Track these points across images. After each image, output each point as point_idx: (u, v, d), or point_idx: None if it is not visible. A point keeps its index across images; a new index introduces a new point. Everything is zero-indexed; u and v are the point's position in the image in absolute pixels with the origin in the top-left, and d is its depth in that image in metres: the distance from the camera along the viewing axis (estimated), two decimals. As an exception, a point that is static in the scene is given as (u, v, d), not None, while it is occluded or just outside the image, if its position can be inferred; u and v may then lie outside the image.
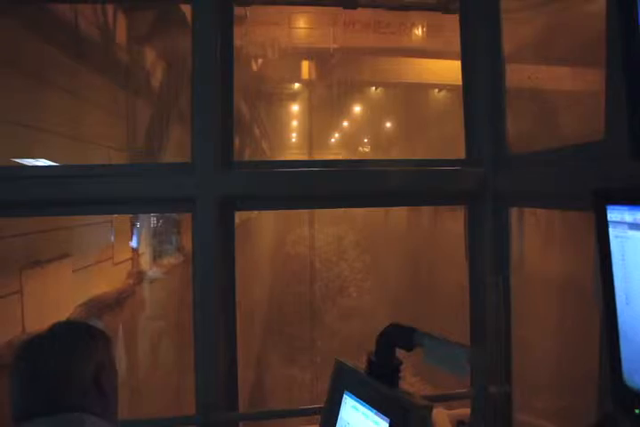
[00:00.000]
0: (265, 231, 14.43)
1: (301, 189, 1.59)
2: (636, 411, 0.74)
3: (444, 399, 1.65)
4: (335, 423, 1.34)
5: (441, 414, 2.71)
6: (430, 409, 1.20)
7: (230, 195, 1.57)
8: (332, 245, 14.90)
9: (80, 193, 1.55)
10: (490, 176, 1.67)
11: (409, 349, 1.29)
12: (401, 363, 1.33)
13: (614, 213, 0.74)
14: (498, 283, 1.73)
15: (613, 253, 0.74)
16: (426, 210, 12.58)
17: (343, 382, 1.37)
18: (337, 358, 1.43)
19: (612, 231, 0.74)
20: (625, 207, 0.72)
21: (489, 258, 1.76)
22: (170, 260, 6.00)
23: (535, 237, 2.07)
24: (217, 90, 1.66)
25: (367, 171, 1.70)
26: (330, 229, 14.73)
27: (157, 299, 5.27)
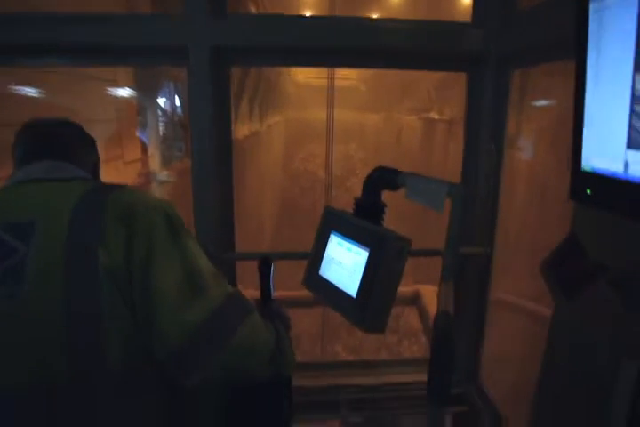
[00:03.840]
0: (274, 147, 14.34)
1: (299, 40, 1.54)
2: (588, 191, 0.79)
3: (418, 254, 1.76)
4: (321, 260, 1.45)
5: (427, 290, 2.95)
6: (408, 243, 1.28)
7: (225, 45, 1.54)
8: (341, 163, 14.87)
9: (75, 40, 1.52)
10: (492, 36, 1.60)
11: (394, 188, 1.35)
12: (385, 206, 1.40)
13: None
14: (491, 150, 1.74)
15: (590, 30, 0.72)
16: (439, 130, 12.27)
17: (330, 224, 1.45)
18: (327, 205, 1.51)
19: (591, 6, 0.72)
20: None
21: (485, 126, 1.75)
22: (178, 165, 6.09)
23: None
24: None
25: (367, 25, 1.63)
26: (339, 147, 14.56)
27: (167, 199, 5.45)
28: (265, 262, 1.11)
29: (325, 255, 1.45)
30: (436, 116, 13.16)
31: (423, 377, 2.01)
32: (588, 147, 0.77)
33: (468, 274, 1.86)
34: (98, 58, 1.59)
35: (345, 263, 1.36)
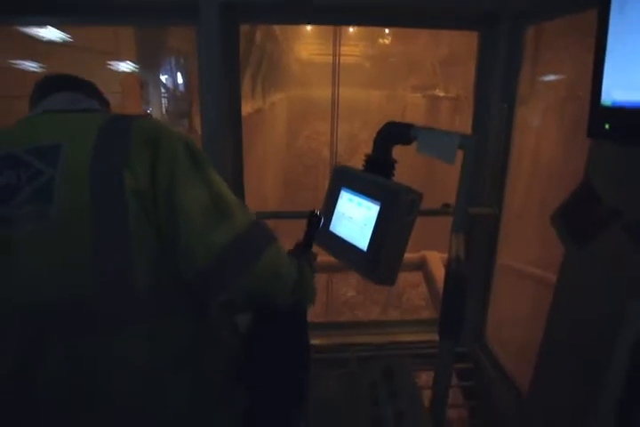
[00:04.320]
0: (278, 124, 14.18)
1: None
2: (606, 126, 0.79)
3: (429, 214, 1.76)
4: (332, 217, 1.46)
5: (433, 256, 2.97)
6: (420, 196, 1.29)
7: (235, 1, 1.52)
8: (345, 142, 14.72)
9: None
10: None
11: (406, 143, 1.35)
12: (396, 161, 1.40)
13: None
14: (503, 108, 1.73)
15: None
16: (444, 108, 12.12)
17: (341, 181, 1.46)
18: (336, 164, 1.51)
19: None
20: None
21: (497, 87, 1.73)
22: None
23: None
24: None
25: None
26: (343, 126, 14.38)
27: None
28: (316, 215, 1.16)
29: (336, 212, 1.46)
30: (442, 94, 12.96)
31: (427, 337, 2.06)
32: (610, 79, 0.77)
33: (476, 235, 1.87)
34: (102, 16, 1.56)
35: (356, 218, 1.37)
